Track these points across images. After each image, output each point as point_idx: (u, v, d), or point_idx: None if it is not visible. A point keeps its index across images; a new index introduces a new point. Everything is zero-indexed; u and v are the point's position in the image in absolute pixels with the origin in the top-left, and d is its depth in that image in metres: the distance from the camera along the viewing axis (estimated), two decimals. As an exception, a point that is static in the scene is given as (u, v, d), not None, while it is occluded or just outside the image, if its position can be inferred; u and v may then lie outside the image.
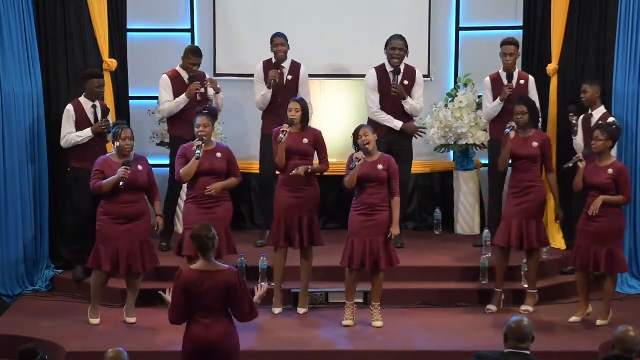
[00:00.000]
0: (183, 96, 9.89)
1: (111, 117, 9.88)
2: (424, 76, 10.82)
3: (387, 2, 10.98)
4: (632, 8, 9.89)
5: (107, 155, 8.89)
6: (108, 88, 10.28)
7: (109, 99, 10.28)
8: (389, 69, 10.08)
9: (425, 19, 11.00)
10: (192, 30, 11.09)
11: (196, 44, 11.05)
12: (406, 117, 10.14)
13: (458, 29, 11.14)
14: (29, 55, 9.90)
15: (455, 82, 11.03)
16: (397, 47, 9.97)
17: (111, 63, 10.33)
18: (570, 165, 8.86)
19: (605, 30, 10.21)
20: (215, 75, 11.02)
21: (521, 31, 10.86)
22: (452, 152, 11.10)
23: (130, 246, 8.71)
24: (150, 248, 8.88)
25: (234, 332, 6.75)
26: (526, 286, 9.31)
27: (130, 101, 10.87)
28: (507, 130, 9.11)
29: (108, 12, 10.32)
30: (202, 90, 9.93)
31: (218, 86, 9.94)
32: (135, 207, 8.74)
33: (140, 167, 8.78)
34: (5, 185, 9.68)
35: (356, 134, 8.75)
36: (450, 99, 10.88)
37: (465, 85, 10.84)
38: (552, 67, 10.40)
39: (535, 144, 9.07)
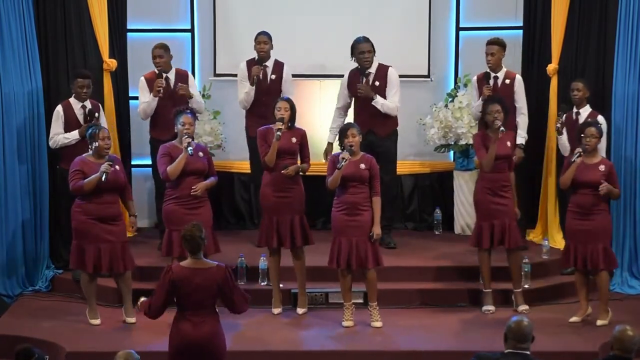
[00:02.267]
0: (150, 95, 9.87)
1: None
2: (424, 76, 10.83)
3: (387, 2, 10.98)
4: (632, 8, 9.89)
5: (84, 155, 8.79)
6: (108, 88, 10.28)
7: (109, 99, 10.28)
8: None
9: (425, 19, 11.01)
10: (192, 30, 11.09)
11: (196, 44, 11.07)
12: (382, 119, 10.02)
13: (458, 29, 11.14)
14: (29, 55, 9.90)
15: (455, 82, 11.03)
16: (365, 49, 9.87)
17: (111, 63, 10.33)
18: (574, 159, 8.85)
19: (605, 30, 10.21)
20: (215, 75, 11.02)
21: (521, 31, 10.87)
22: (452, 152, 11.10)
23: (112, 246, 8.71)
24: (129, 248, 8.89)
25: (221, 332, 6.78)
26: (527, 286, 9.32)
27: (130, 101, 10.86)
28: (501, 128, 8.99)
29: (108, 12, 10.33)
30: (162, 90, 9.82)
31: (191, 91, 9.85)
32: (115, 207, 8.76)
33: (117, 167, 8.76)
34: (5, 184, 9.68)
35: (343, 133, 8.76)
36: (450, 99, 10.88)
37: (465, 85, 10.84)
38: (552, 67, 10.40)
39: (509, 143, 9.10)
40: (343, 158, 8.60)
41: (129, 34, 10.82)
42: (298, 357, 8.29)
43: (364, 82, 9.94)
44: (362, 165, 8.70)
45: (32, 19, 9.94)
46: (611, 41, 10.07)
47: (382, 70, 10.00)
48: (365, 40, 9.92)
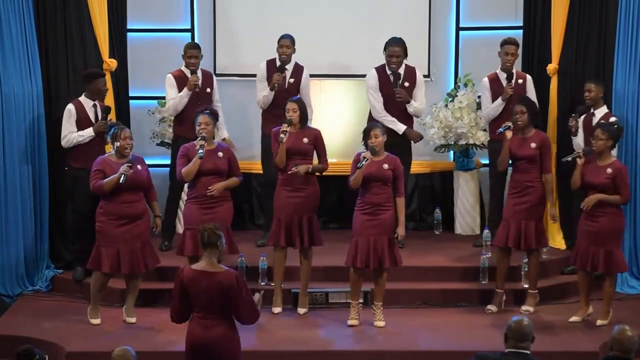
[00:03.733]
0: (185, 90, 9.92)
1: (111, 117, 9.89)
2: (424, 76, 10.83)
3: (387, 2, 10.98)
4: (632, 8, 9.89)
5: (106, 155, 8.87)
6: (108, 88, 10.28)
7: (109, 99, 10.28)
8: (389, 71, 10.05)
9: (425, 19, 11.00)
10: (192, 30, 11.09)
11: (196, 43, 11.08)
12: (407, 118, 10.14)
13: (458, 29, 11.14)
14: (29, 56, 9.89)
15: (455, 82, 11.03)
16: (394, 54, 9.90)
17: (111, 63, 10.33)
18: (569, 159, 8.88)
19: (605, 30, 10.21)
20: (216, 75, 11.00)
21: (521, 31, 10.86)
22: (452, 152, 11.10)
23: (131, 246, 8.72)
24: (151, 247, 8.90)
25: (233, 334, 6.73)
26: (527, 286, 9.32)
27: (130, 101, 10.87)
28: (500, 129, 9.11)
29: (108, 12, 10.32)
30: (200, 85, 9.94)
31: (215, 92, 10.11)
32: (135, 207, 8.75)
33: (139, 167, 8.79)
34: (5, 185, 9.68)
35: (367, 133, 8.75)
36: (450, 99, 10.87)
37: (465, 85, 10.84)
38: (552, 67, 10.40)
39: (533, 144, 9.08)
40: (364, 157, 8.59)
41: (129, 34, 10.82)
42: (299, 357, 8.29)
43: (397, 85, 9.94)
44: (385, 166, 8.68)
45: (32, 19, 9.93)
46: (611, 41, 10.07)
47: (410, 71, 10.08)
48: (397, 43, 9.92)
